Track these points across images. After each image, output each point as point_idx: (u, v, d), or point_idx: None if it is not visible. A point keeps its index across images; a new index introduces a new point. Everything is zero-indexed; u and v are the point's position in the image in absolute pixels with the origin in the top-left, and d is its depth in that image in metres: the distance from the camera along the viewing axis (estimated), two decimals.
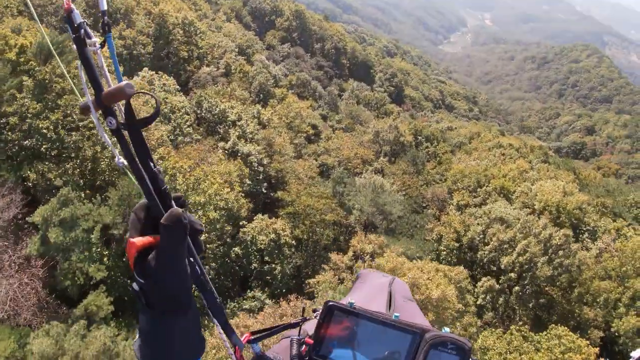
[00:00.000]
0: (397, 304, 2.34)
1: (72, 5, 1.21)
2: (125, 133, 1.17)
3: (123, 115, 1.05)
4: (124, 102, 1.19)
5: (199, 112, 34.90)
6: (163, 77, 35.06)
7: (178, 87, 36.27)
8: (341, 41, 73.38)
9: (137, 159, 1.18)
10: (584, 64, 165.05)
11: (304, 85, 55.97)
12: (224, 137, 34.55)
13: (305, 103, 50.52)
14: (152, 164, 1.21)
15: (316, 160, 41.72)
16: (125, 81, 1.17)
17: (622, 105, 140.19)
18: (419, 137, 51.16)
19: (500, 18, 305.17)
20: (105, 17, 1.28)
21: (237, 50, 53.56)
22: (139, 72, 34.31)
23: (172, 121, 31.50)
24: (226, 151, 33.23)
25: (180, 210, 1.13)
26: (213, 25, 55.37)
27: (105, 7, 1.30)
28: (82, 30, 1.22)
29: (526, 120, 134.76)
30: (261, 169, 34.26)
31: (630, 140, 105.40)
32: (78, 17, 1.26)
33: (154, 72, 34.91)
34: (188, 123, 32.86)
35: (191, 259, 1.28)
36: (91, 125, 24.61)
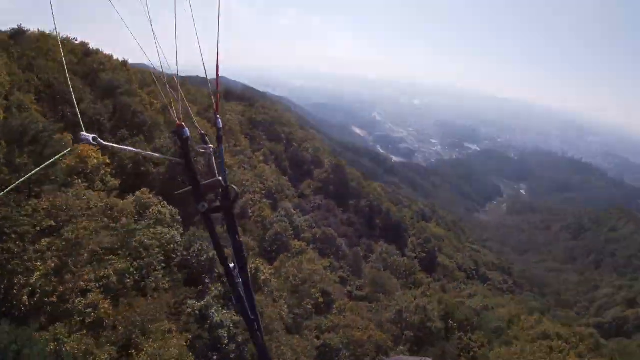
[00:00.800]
0: None
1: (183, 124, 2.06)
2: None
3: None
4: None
5: (185, 253, 28.17)
6: (163, 204, 29.62)
7: (179, 218, 30.25)
8: (377, 200, 70.64)
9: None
10: (622, 232, 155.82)
11: (328, 242, 51.53)
12: (201, 293, 26.62)
13: (323, 262, 44.83)
14: (237, 236, 2.14)
15: (318, 338, 32.82)
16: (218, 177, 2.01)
17: None
18: (451, 322, 43.38)
19: (535, 188, 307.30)
20: (220, 132, 2.28)
21: (263, 192, 50.16)
22: (136, 192, 29.26)
23: (143, 259, 24.73)
24: (192, 314, 24.75)
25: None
26: (248, 162, 53.06)
27: (221, 125, 2.34)
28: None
29: (563, 293, 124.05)
30: (232, 346, 24.62)
31: None
32: (187, 132, 2.16)
33: (156, 198, 29.78)
34: (162, 265, 25.81)
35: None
36: None
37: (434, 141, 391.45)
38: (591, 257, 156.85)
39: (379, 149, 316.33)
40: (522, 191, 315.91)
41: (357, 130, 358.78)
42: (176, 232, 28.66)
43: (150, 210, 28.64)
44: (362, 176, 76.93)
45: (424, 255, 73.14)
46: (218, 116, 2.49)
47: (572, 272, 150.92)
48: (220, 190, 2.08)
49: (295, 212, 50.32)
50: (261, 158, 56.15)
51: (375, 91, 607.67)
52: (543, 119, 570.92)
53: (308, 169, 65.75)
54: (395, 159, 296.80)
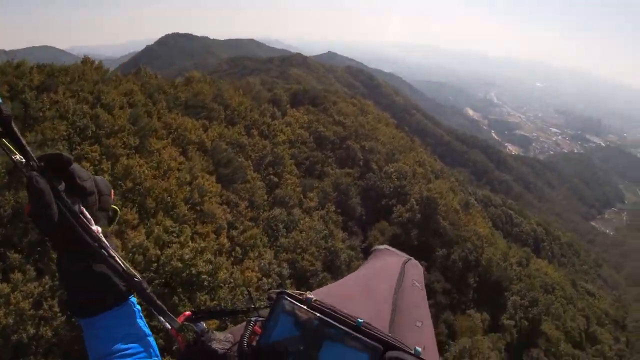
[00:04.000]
0: (404, 286, 2.35)
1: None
2: None
3: None
4: None
5: None
6: None
7: None
8: (474, 249, 54.21)
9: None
10: None
11: None
12: None
13: None
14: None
15: None
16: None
17: None
18: None
19: None
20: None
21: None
22: None
23: None
24: None
25: (33, 173, 1.24)
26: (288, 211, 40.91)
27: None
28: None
29: None
30: None
31: None
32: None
33: None
34: None
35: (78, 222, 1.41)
36: None
37: (554, 130, 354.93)
38: None
39: (493, 135, 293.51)
40: None
41: (471, 112, 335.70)
42: None
43: None
44: (459, 212, 59.60)
45: (526, 323, 56.82)
46: None
47: None
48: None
49: None
50: (312, 203, 40.83)
51: (495, 69, 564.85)
52: None
53: (387, 203, 50.25)
54: (510, 147, 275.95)
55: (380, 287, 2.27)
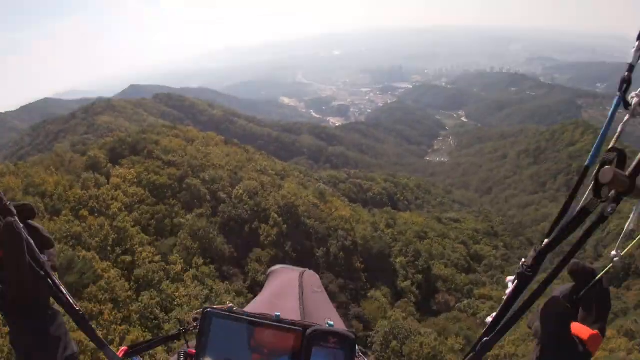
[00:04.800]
0: (306, 295, 2.51)
1: None
2: None
3: None
4: None
5: None
6: None
7: None
8: (347, 232, 54.25)
9: None
10: (582, 145, 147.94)
11: None
12: None
13: None
14: None
15: None
16: None
17: None
18: None
19: (474, 112, 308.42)
20: None
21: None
22: None
23: None
24: None
25: (12, 219, 1.19)
26: None
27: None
28: None
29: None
30: None
31: None
32: None
33: None
34: None
35: (42, 272, 1.36)
36: None
37: (364, 90, 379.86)
38: (559, 179, 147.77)
39: (314, 114, 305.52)
40: (463, 118, 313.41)
41: (287, 100, 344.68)
42: None
43: None
44: (318, 204, 59.16)
45: (420, 276, 59.14)
46: None
47: (546, 201, 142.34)
48: None
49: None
50: (178, 267, 36.41)
51: (293, 53, 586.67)
52: (464, 39, 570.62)
53: (251, 228, 47.34)
54: (332, 120, 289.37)
55: (286, 302, 2.40)
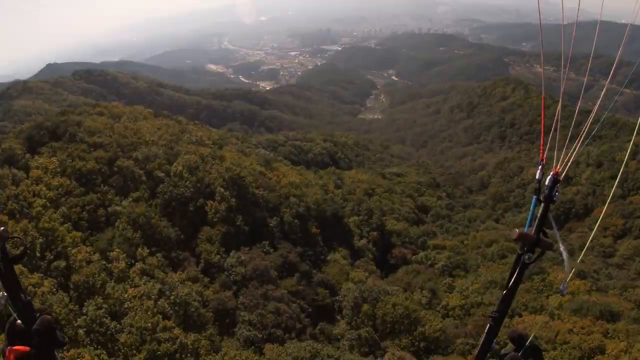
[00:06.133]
0: None
1: None
2: None
3: None
4: None
5: None
6: None
7: None
8: (301, 199, 51.78)
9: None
10: (514, 100, 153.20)
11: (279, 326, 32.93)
12: None
13: None
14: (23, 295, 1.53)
15: None
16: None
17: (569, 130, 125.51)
18: None
19: (404, 70, 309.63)
20: None
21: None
22: None
23: None
24: None
25: (49, 317, 1.33)
26: None
27: None
28: None
29: (490, 184, 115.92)
30: None
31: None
32: None
33: None
34: None
35: None
36: None
37: (293, 54, 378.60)
38: (492, 130, 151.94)
39: (243, 79, 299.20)
40: (393, 77, 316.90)
41: (214, 67, 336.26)
42: None
43: None
44: (265, 172, 55.99)
45: (375, 234, 58.56)
46: None
47: (481, 151, 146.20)
48: None
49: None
50: (122, 264, 32.16)
51: (219, 20, 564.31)
52: (391, 2, 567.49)
53: (196, 206, 43.36)
54: (262, 84, 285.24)
55: None
